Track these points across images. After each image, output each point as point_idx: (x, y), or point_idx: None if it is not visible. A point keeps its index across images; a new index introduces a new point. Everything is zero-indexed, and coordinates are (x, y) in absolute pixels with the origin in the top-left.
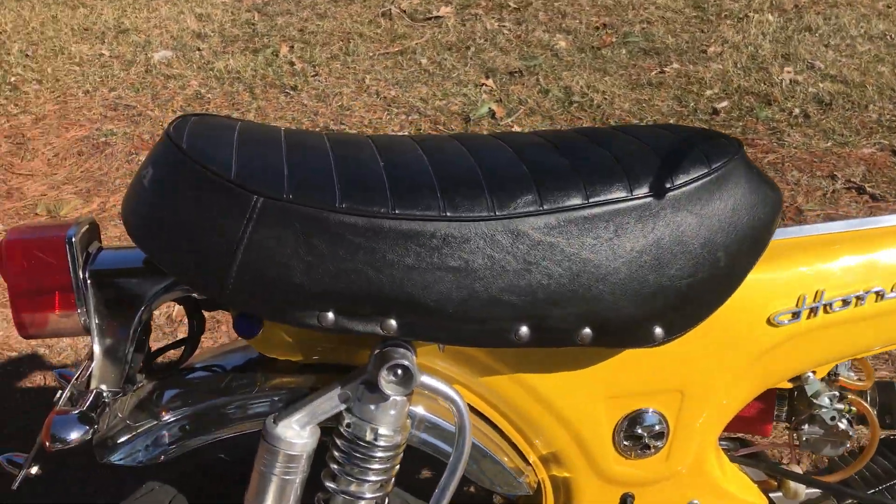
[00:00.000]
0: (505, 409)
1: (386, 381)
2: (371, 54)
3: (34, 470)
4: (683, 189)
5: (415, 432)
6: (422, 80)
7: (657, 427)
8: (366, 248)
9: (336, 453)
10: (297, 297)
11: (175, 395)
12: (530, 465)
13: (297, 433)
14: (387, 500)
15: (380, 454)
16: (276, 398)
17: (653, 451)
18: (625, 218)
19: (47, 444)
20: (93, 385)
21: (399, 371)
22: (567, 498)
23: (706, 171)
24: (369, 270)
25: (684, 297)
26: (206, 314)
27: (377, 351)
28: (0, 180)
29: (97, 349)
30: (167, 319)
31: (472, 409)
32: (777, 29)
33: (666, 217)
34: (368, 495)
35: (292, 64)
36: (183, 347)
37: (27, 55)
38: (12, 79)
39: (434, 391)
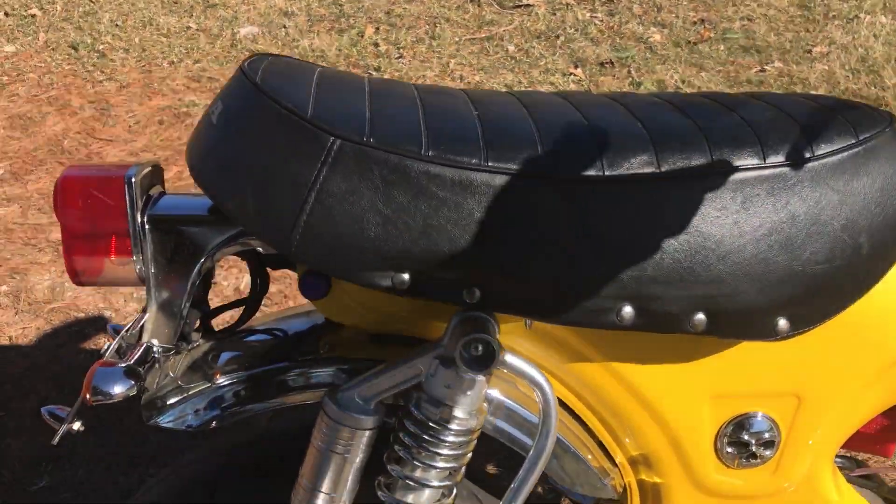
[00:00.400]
0: (593, 402)
1: (463, 357)
2: (457, 39)
3: (76, 425)
4: (825, 160)
5: (491, 418)
6: (508, 66)
7: (767, 434)
8: (452, 204)
9: (402, 434)
10: (371, 255)
11: (231, 357)
12: (617, 466)
13: (360, 408)
14: (455, 492)
15: (451, 438)
16: (340, 369)
17: (759, 461)
18: (755, 189)
19: (88, 396)
20: (144, 339)
21: (479, 347)
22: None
23: (853, 141)
24: (454, 229)
25: (817, 286)
26: (271, 274)
27: (456, 322)
28: (81, 144)
29: (151, 301)
30: (234, 291)
31: (560, 404)
32: (890, 32)
33: (802, 191)
34: (435, 483)
35: (377, 45)
36: (243, 308)
37: (117, 25)
38: (101, 47)
39: (518, 373)
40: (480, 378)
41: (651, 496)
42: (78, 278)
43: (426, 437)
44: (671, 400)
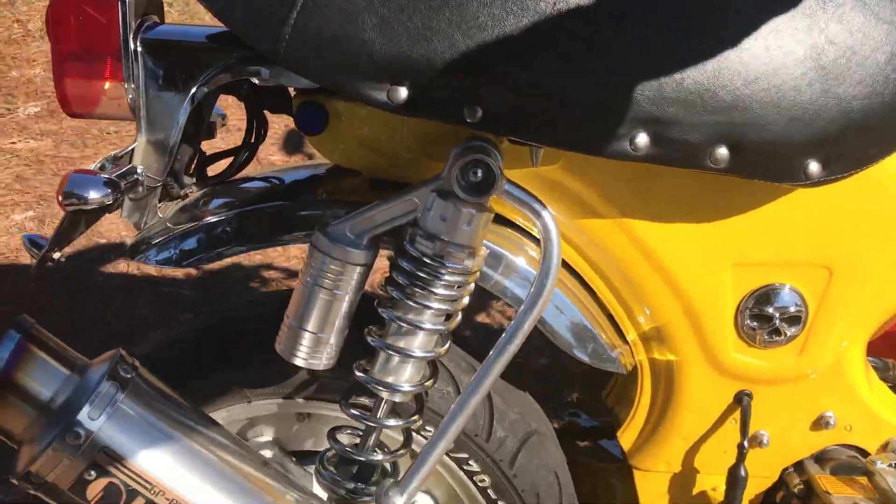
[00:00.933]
0: (605, 268)
1: (461, 182)
2: None
3: (56, 255)
4: None
5: (490, 272)
6: None
7: (793, 309)
8: (454, 5)
9: (396, 273)
10: (366, 61)
11: (223, 202)
12: (628, 344)
13: (351, 241)
14: (448, 346)
15: (447, 277)
16: (335, 209)
17: (784, 339)
18: (789, 7)
19: (60, 198)
20: (134, 161)
21: (478, 171)
22: (668, 389)
23: None
24: (456, 33)
25: (855, 124)
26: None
27: (456, 152)
28: None
29: (141, 130)
30: None
31: (566, 267)
32: None
33: (844, 15)
34: (428, 325)
35: None
36: (245, 156)
37: None
38: None
39: (519, 202)
40: (479, 214)
41: (664, 376)
42: (70, 107)
43: (421, 274)
44: (689, 265)
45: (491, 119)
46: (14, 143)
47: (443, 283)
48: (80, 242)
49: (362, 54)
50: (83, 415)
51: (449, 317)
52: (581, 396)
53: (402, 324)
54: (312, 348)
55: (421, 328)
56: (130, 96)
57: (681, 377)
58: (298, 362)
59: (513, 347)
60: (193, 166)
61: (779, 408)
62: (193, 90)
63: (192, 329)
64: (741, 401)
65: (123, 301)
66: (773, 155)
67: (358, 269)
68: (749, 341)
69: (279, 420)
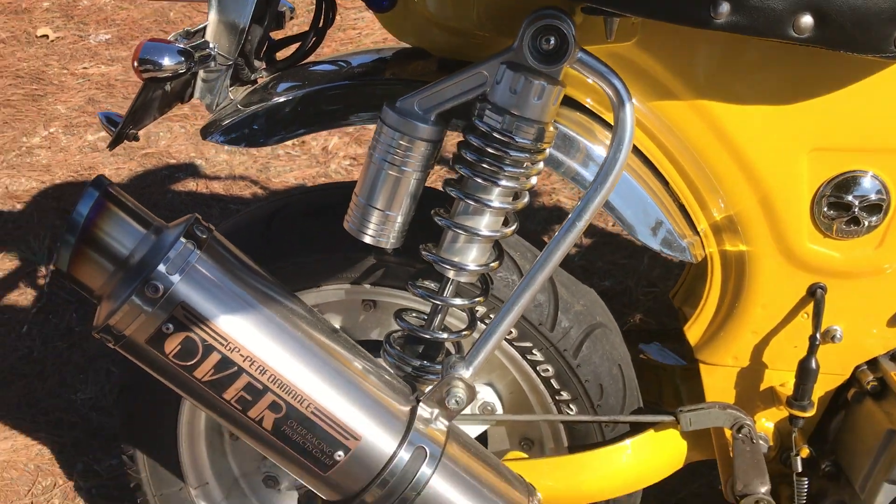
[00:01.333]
0: (677, 154)
1: (533, 50)
2: None
3: (132, 131)
4: None
5: (559, 154)
6: None
7: (874, 197)
8: None
9: (464, 151)
10: None
11: (292, 84)
12: (698, 234)
13: (419, 116)
14: (515, 227)
15: (516, 153)
16: (402, 85)
17: (862, 230)
18: None
19: (135, 65)
20: (205, 37)
21: (551, 39)
22: (739, 281)
23: None
24: None
25: None
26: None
27: (527, 22)
28: (186, 16)
29: (213, 7)
30: None
31: (637, 153)
32: None
33: None
34: (496, 203)
35: None
36: (312, 40)
37: None
38: None
39: (593, 71)
40: (550, 86)
41: (734, 268)
42: None
43: (489, 150)
44: (766, 150)
45: None
46: (86, 68)
47: (511, 159)
48: (151, 162)
49: None
50: (160, 270)
51: (517, 196)
52: (645, 319)
53: (470, 202)
54: (380, 226)
55: (488, 206)
56: None
57: (752, 269)
58: (366, 239)
59: (582, 223)
60: (263, 52)
61: (854, 302)
62: None
63: (262, 212)
64: (814, 294)
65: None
66: (860, 24)
67: (425, 145)
68: (825, 231)
69: (346, 308)
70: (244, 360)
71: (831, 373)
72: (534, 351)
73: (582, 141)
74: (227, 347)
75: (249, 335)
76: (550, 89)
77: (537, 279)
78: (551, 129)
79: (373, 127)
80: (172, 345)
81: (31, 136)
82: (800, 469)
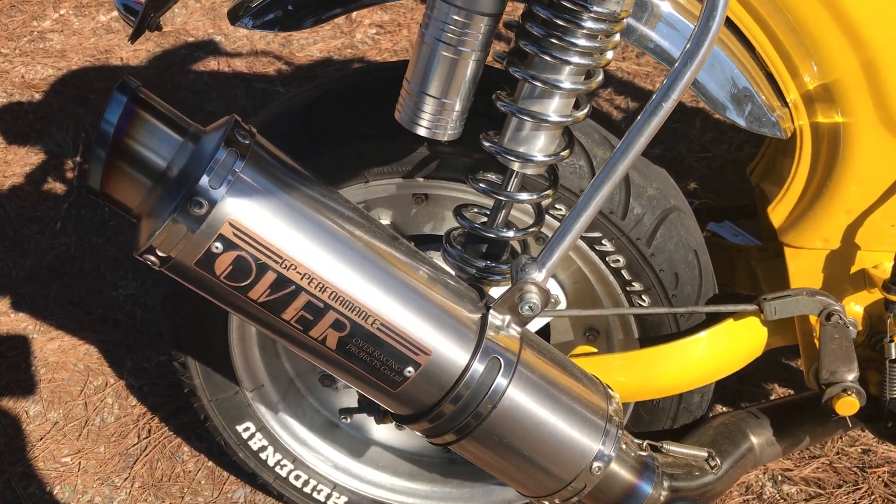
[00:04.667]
0: (767, 17)
1: None
2: None
3: (153, 19)
4: None
5: (636, 23)
6: None
7: None
8: None
9: (530, 25)
10: None
11: None
12: (788, 106)
13: None
14: (588, 109)
15: (590, 24)
16: None
17: None
18: None
19: None
20: None
21: None
22: (832, 157)
23: None
24: None
25: None
26: None
27: None
28: None
29: None
30: None
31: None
32: None
33: None
34: (567, 84)
35: None
36: None
37: None
38: None
39: None
40: None
41: (827, 143)
42: None
43: (560, 22)
44: (871, 7)
45: None
46: None
47: (585, 31)
48: (168, 41)
49: None
50: (203, 183)
51: (590, 74)
52: (700, 190)
53: (537, 83)
54: (436, 115)
55: (559, 87)
56: None
57: (848, 142)
58: (421, 132)
59: (667, 106)
60: None
61: None
62: None
63: (299, 102)
64: None
65: (216, 96)
66: None
67: (486, 19)
68: None
69: (396, 203)
70: (302, 278)
71: None
72: (603, 241)
73: (663, 6)
74: (283, 265)
75: (306, 250)
76: None
77: (617, 170)
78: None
79: None
80: (223, 265)
81: (41, 20)
82: (893, 356)
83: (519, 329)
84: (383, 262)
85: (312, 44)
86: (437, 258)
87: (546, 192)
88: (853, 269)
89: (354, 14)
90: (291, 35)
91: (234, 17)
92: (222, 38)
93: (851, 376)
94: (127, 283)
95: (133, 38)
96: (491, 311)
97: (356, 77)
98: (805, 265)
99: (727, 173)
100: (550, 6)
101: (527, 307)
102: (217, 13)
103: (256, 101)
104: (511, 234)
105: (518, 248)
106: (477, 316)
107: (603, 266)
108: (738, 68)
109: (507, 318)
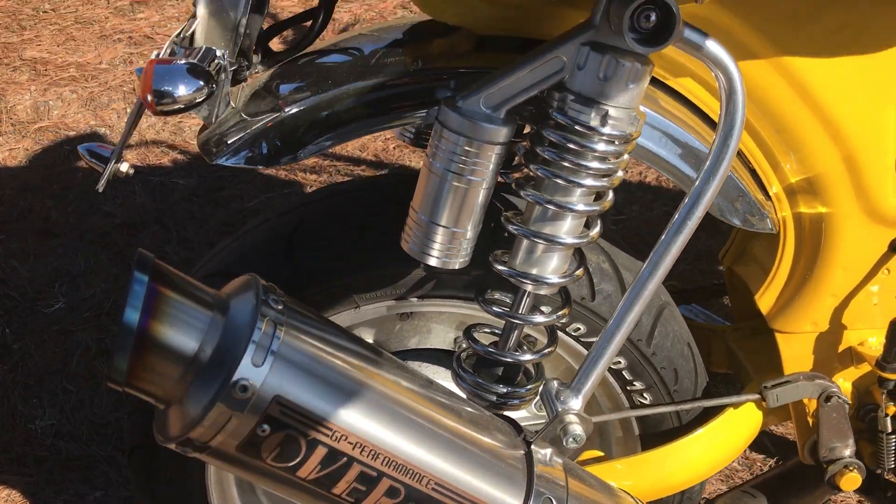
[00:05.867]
0: (752, 116)
1: (634, 28)
2: None
3: (123, 166)
4: None
5: (644, 141)
6: None
7: None
8: None
9: (539, 149)
10: None
11: (301, 84)
12: (770, 199)
13: (487, 116)
14: (599, 228)
15: (603, 147)
16: (445, 79)
17: None
18: None
19: (149, 98)
20: (198, 42)
21: (652, 15)
22: (815, 244)
23: None
24: None
25: None
26: None
27: None
28: None
29: (202, 2)
30: None
31: (706, 119)
32: None
33: None
34: (581, 207)
35: None
36: (310, 24)
37: None
38: None
39: (698, 49)
40: (643, 67)
41: (809, 231)
42: None
43: (571, 146)
44: (851, 105)
45: None
46: None
47: (598, 154)
48: (47, 137)
49: None
50: (245, 363)
51: (600, 195)
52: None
53: (550, 206)
54: (447, 245)
55: (571, 210)
56: None
57: (831, 230)
58: (432, 262)
59: (693, 222)
60: (255, 44)
61: None
62: None
63: (278, 229)
64: None
65: (111, 194)
66: None
67: (497, 148)
68: None
69: (381, 322)
70: (354, 448)
71: None
72: None
73: (671, 126)
74: (334, 437)
75: (355, 417)
76: (644, 71)
77: (644, 293)
78: (643, 114)
79: None
80: (271, 447)
81: None
82: (889, 429)
83: (560, 461)
84: (429, 415)
85: None
86: (428, 372)
87: (562, 312)
88: (841, 348)
89: None
90: (182, 121)
91: (210, 153)
92: (106, 130)
93: (848, 451)
94: (43, 413)
95: (102, 185)
96: (533, 446)
97: (335, 199)
98: (797, 349)
99: (643, 234)
100: (560, 129)
101: (571, 440)
102: (97, 103)
103: (156, 197)
104: (529, 357)
105: (532, 369)
106: (520, 453)
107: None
108: (731, 171)
109: (549, 451)
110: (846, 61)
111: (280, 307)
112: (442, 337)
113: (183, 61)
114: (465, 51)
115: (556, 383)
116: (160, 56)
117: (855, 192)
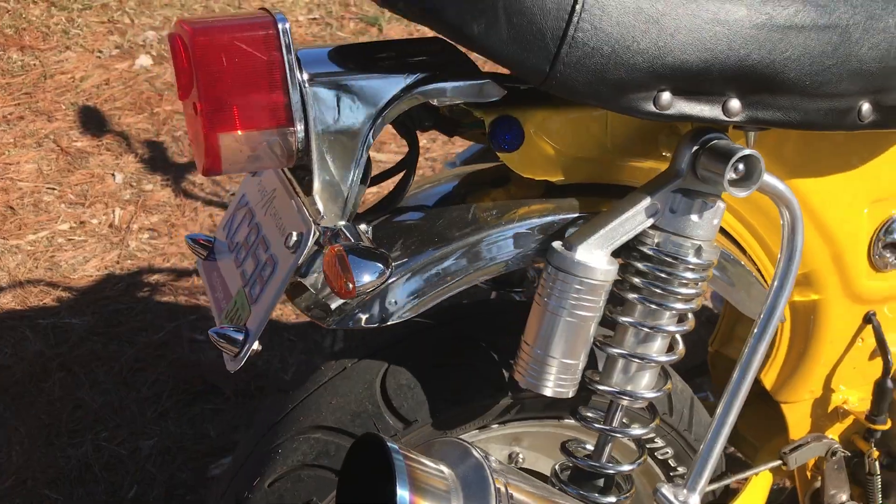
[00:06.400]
0: (761, 227)
1: (731, 178)
2: None
3: (256, 345)
4: None
5: (716, 272)
6: None
7: None
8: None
9: (632, 277)
10: (637, 72)
11: (399, 241)
12: None
13: (596, 258)
14: (681, 345)
15: (689, 275)
16: (545, 223)
17: None
18: None
19: (350, 286)
20: (327, 222)
21: (741, 165)
22: (808, 326)
23: None
24: (718, 29)
25: None
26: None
27: (694, 148)
28: None
29: (317, 178)
30: None
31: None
32: None
33: None
34: (670, 328)
35: None
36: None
37: None
38: None
39: (773, 191)
40: (723, 205)
41: (803, 316)
42: (218, 167)
43: (661, 274)
44: (839, 211)
45: (747, 110)
46: None
47: (685, 280)
48: None
49: (633, 67)
50: None
51: (683, 318)
52: None
53: (643, 328)
54: (561, 376)
55: (662, 331)
56: (300, 137)
57: (821, 313)
58: (548, 392)
59: (763, 346)
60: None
61: None
62: (375, 119)
63: (365, 374)
64: (870, 321)
65: (2, 344)
66: None
67: (607, 285)
68: (878, 268)
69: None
70: None
71: None
72: (655, 440)
73: (729, 255)
74: None
75: None
76: (722, 207)
77: (741, 390)
78: (716, 245)
79: None
80: None
81: None
82: (878, 471)
83: None
84: None
85: (84, 262)
86: None
87: (654, 423)
88: (830, 408)
89: (117, 219)
90: (55, 256)
91: (322, 318)
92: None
93: (846, 496)
94: None
95: (236, 365)
96: None
97: (419, 336)
98: (798, 415)
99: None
100: (651, 261)
101: None
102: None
103: (51, 341)
104: (629, 466)
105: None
106: None
107: (649, 459)
108: (754, 274)
109: None
110: (837, 177)
111: (501, 466)
112: (497, 453)
113: (363, 244)
114: (533, 195)
115: (665, 487)
116: (300, 245)
117: (840, 281)
